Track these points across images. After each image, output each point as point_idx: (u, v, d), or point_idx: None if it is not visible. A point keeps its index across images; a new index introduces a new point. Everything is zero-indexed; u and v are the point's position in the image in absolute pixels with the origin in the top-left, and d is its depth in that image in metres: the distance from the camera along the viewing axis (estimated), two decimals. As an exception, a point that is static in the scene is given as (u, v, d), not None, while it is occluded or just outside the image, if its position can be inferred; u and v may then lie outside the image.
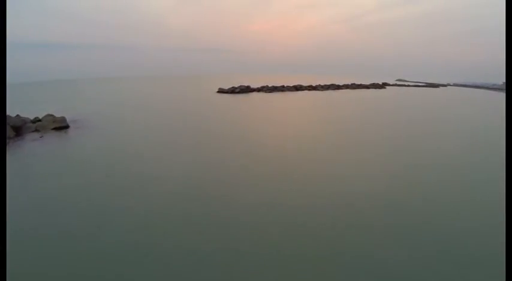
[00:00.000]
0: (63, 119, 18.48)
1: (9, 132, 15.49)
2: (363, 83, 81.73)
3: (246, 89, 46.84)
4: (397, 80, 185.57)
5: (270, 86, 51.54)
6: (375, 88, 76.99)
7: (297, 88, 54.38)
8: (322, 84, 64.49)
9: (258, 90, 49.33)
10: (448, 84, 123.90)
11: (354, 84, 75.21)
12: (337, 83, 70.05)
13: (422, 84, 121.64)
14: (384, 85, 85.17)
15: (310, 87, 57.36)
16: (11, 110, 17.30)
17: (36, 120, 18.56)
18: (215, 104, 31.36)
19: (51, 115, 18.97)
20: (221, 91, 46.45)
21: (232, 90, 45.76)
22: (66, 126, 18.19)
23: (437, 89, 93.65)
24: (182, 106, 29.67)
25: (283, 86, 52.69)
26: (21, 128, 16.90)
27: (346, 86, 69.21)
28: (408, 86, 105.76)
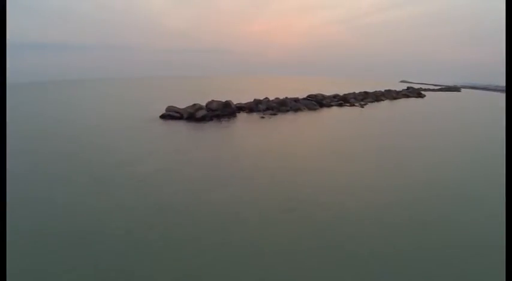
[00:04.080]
0: None
1: None
2: (396, 89, 56.93)
3: (224, 109, 21.29)
4: (400, 82, 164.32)
5: (272, 99, 25.93)
6: (415, 97, 52.34)
7: (320, 101, 28.91)
8: (350, 92, 39.29)
9: (250, 109, 23.82)
10: (455, 86, 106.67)
11: (390, 91, 50.13)
12: (366, 90, 45.00)
13: (443, 87, 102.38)
14: (419, 91, 60.42)
15: (340, 100, 32.06)
16: None
17: None
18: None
19: None
20: (169, 115, 20.72)
21: (191, 115, 20.12)
22: None
23: (460, 93, 76.25)
24: None
25: (296, 100, 26.95)
26: None
27: (382, 94, 44.18)
28: (433, 90, 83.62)
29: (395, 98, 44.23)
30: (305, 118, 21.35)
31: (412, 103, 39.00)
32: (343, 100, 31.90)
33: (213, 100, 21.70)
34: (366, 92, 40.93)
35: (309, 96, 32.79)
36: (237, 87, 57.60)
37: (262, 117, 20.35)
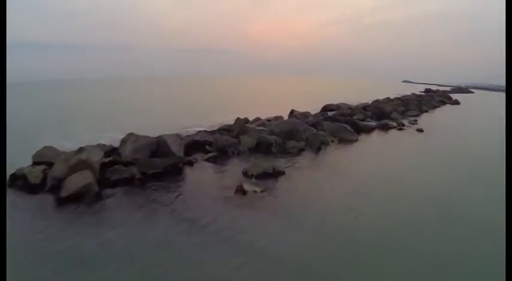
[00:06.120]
0: None
1: None
2: (423, 92, 44.90)
3: (148, 163, 8.79)
4: (403, 82, 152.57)
5: (270, 118, 13.67)
6: (450, 103, 40.14)
7: (351, 120, 16.54)
8: (374, 98, 26.75)
9: (220, 149, 11.17)
10: (460, 86, 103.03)
11: (421, 96, 37.89)
12: (397, 96, 32.78)
13: (453, 87, 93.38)
14: (449, 96, 48.26)
15: (378, 115, 19.68)
16: None
17: None
18: None
19: None
20: (23, 177, 8.44)
21: (55, 186, 7.75)
22: None
23: (476, 94, 67.35)
24: None
25: (315, 124, 14.14)
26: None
27: (420, 103, 31.89)
28: (445, 91, 72.57)
29: (434, 107, 32.05)
30: (356, 194, 8.91)
31: (467, 113, 27.25)
32: (382, 115, 19.51)
33: (131, 134, 9.21)
34: (400, 100, 28.67)
35: (325, 108, 20.57)
36: (227, 90, 45.33)
37: (241, 192, 7.62)
